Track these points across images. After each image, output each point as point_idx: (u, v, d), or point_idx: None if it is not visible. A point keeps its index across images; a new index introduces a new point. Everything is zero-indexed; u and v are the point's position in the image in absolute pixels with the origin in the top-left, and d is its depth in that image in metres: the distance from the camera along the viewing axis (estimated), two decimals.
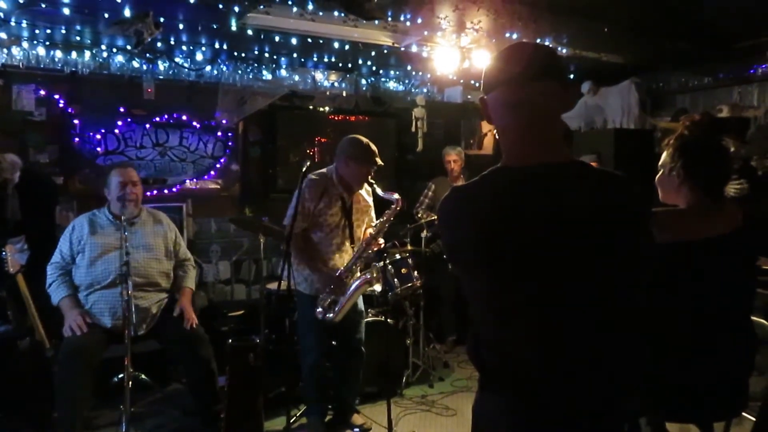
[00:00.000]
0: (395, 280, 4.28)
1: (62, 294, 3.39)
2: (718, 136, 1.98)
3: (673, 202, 2.04)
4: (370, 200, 3.60)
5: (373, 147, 3.33)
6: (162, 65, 4.77)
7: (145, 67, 4.72)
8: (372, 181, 3.37)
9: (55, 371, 3.28)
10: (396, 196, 3.33)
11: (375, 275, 3.40)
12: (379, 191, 3.39)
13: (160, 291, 3.59)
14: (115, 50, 4.54)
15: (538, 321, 1.25)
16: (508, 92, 1.31)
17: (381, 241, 3.39)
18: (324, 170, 3.45)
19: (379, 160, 3.34)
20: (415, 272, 4.41)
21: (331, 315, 3.32)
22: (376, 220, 3.55)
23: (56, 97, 4.69)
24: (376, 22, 3.93)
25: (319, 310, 3.33)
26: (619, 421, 1.35)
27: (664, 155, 2.02)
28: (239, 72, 5.03)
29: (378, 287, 3.48)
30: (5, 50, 4.19)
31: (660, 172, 2.05)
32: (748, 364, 1.97)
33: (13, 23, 3.87)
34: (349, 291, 3.32)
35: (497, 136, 1.38)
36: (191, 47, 4.65)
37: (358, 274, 3.44)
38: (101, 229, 3.50)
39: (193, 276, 3.81)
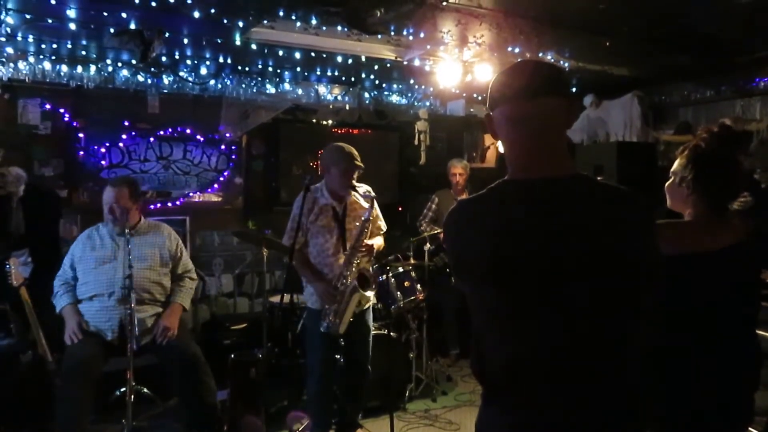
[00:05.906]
0: (398, 293, 4.28)
1: (63, 303, 3.47)
2: (734, 150, 1.96)
3: (680, 210, 2.03)
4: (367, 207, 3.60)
5: (350, 150, 3.35)
6: (166, 79, 4.80)
7: (149, 81, 4.76)
8: (354, 184, 3.38)
9: (58, 384, 3.27)
10: (372, 194, 3.41)
11: (370, 277, 3.40)
12: (358, 191, 3.40)
13: (155, 303, 3.55)
14: (120, 64, 4.58)
15: (543, 336, 1.24)
16: (514, 108, 1.32)
17: (368, 241, 3.39)
18: (318, 184, 3.49)
19: (359, 163, 3.35)
20: (418, 285, 4.41)
21: (334, 326, 3.31)
22: (380, 222, 3.61)
23: (61, 110, 4.73)
24: (379, 36, 3.96)
25: (324, 322, 3.32)
26: None
27: (676, 163, 2.01)
28: (243, 86, 5.06)
29: (370, 293, 3.45)
30: (11, 64, 4.23)
31: (671, 179, 2.04)
32: (752, 378, 1.96)
33: (19, 38, 3.91)
34: (345, 298, 3.32)
35: (503, 151, 1.39)
36: (195, 61, 4.68)
37: (351, 279, 3.41)
38: (100, 240, 3.56)
39: (188, 291, 3.72)
